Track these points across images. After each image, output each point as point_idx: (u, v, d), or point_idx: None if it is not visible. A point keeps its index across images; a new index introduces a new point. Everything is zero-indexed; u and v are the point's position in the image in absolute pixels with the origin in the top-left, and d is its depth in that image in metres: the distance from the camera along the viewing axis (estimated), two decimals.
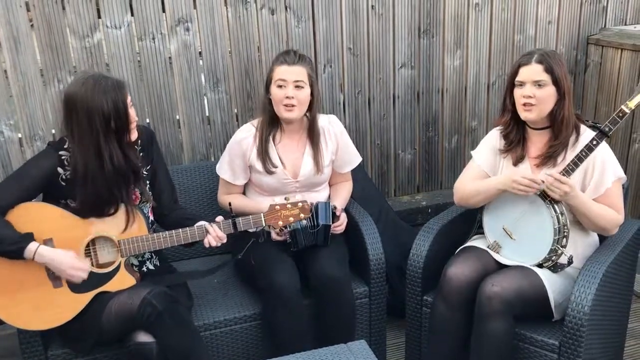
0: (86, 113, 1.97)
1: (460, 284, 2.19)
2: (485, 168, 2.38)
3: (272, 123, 2.45)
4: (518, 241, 2.24)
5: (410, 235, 2.79)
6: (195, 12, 2.75)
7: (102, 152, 2.00)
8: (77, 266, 2.03)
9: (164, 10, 2.71)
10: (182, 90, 2.83)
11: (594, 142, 2.08)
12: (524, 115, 2.19)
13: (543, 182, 2.13)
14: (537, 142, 2.26)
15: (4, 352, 2.78)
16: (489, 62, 3.36)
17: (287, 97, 2.35)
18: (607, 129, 2.09)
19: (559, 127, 2.19)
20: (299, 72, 2.36)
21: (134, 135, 2.09)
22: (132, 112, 2.07)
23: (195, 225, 2.14)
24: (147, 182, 2.25)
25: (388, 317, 2.59)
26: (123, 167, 2.04)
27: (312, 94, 2.40)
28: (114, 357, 2.19)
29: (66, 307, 2.07)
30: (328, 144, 2.52)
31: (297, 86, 2.35)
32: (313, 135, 2.48)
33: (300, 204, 2.17)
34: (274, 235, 2.41)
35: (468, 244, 2.37)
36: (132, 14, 2.66)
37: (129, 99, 2.05)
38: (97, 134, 1.99)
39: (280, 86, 2.35)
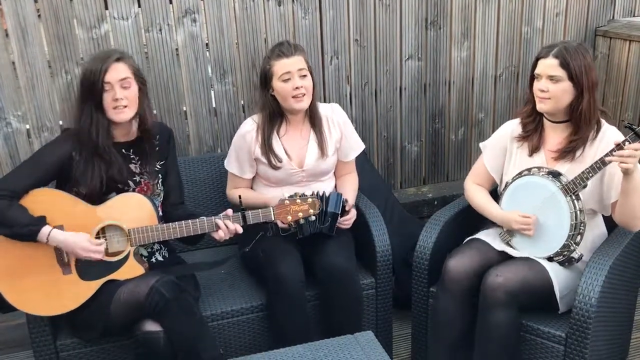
0: (80, 77, 2.08)
1: (460, 276, 2.20)
2: (489, 169, 2.40)
3: (274, 118, 2.45)
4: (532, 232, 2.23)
5: (416, 227, 2.80)
6: (202, 3, 2.75)
7: (82, 117, 2.05)
8: (92, 249, 2.03)
9: (170, 2, 2.70)
10: (188, 82, 2.83)
11: (626, 144, 1.98)
12: (538, 106, 2.20)
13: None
14: (556, 135, 2.25)
15: (14, 342, 2.80)
16: (496, 54, 3.35)
17: (296, 88, 2.35)
18: None
19: (577, 121, 2.17)
20: (299, 61, 2.38)
21: (117, 116, 2.07)
22: (116, 89, 2.04)
23: (205, 218, 2.13)
24: (160, 175, 2.27)
25: (394, 308, 2.60)
26: (105, 141, 2.06)
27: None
28: (122, 346, 2.21)
29: (75, 294, 2.08)
30: (332, 132, 2.53)
31: (302, 75, 2.36)
32: (315, 121, 2.49)
33: (310, 200, 2.16)
34: (280, 224, 2.39)
35: (475, 236, 2.38)
36: (139, 5, 2.66)
37: (119, 75, 2.04)
38: (82, 97, 2.06)
39: (286, 80, 2.36)
